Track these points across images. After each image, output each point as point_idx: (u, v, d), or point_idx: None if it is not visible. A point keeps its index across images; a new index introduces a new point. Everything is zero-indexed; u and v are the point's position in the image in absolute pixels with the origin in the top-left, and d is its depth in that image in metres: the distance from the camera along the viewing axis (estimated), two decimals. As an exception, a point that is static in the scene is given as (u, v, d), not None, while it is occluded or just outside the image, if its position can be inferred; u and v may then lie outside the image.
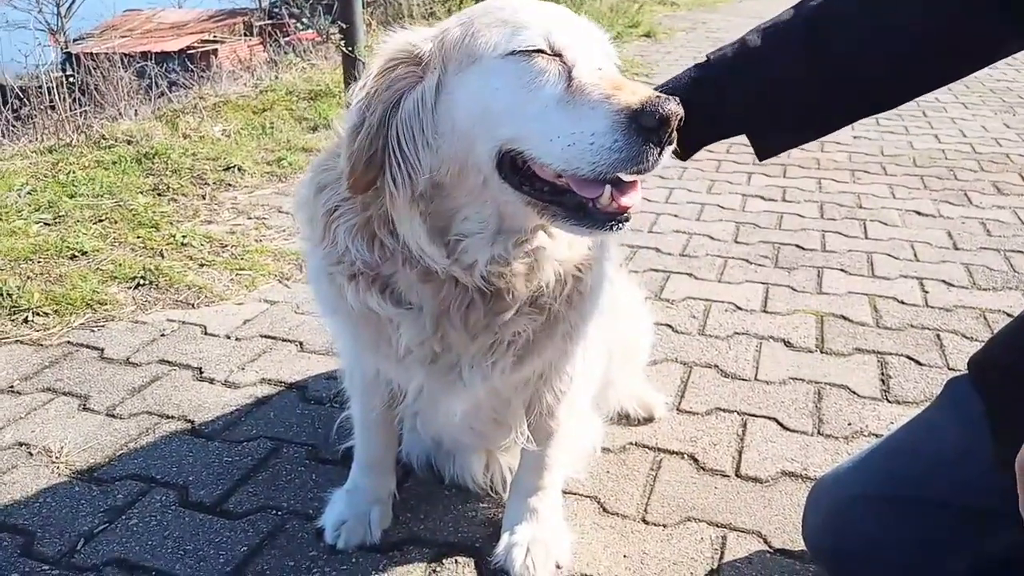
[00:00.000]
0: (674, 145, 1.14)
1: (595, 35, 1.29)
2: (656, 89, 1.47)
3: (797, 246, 3.47)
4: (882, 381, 2.36)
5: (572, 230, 1.22)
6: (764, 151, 1.47)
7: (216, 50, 17.40)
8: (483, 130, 1.19)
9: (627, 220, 1.18)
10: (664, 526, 1.77)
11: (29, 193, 3.76)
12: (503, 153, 1.19)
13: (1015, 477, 0.94)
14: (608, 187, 1.15)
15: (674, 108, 1.09)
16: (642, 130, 1.09)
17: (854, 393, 2.29)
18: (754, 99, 1.39)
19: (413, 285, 1.34)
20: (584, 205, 1.17)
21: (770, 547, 1.71)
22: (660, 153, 1.11)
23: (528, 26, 1.20)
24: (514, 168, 1.20)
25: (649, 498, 1.86)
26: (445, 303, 1.35)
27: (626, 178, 1.16)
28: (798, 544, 1.66)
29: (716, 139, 1.47)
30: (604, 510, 1.83)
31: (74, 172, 4.04)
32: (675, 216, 3.85)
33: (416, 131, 1.23)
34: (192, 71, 7.92)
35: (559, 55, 1.18)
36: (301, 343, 2.59)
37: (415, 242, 1.28)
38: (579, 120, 1.12)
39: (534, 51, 1.17)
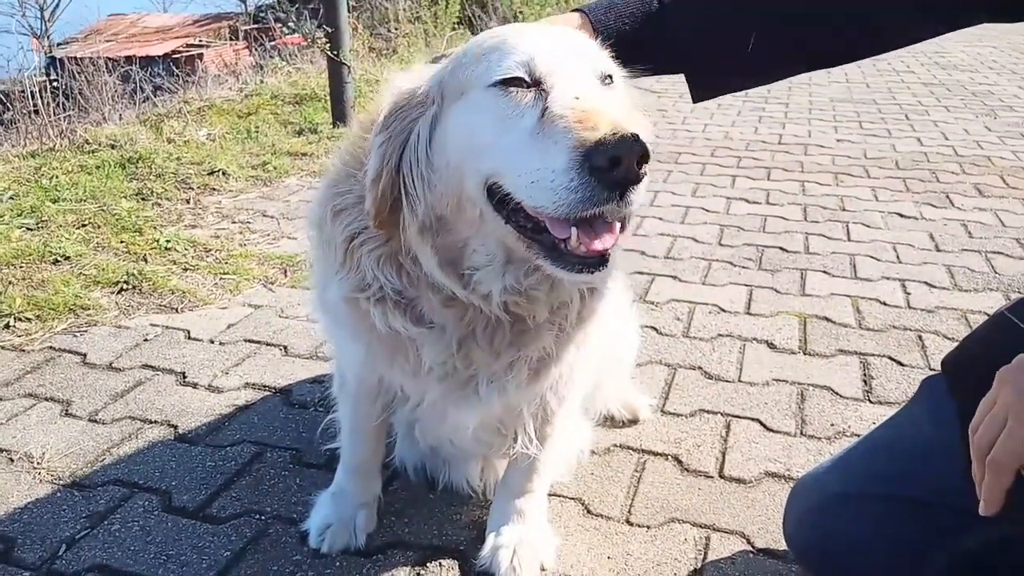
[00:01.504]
0: (642, 186, 1.05)
1: (587, 55, 1.22)
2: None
3: (781, 248, 3.49)
4: (864, 382, 2.38)
5: (548, 269, 1.17)
6: (699, 93, 1.48)
7: (201, 54, 17.36)
8: (470, 163, 1.17)
9: (602, 264, 1.10)
10: (648, 527, 1.78)
11: (11, 198, 3.74)
12: (489, 186, 1.16)
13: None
14: (574, 229, 1.08)
15: (627, 148, 1.00)
16: (595, 170, 1.01)
17: (837, 394, 2.31)
18: (691, 37, 1.40)
19: (437, 309, 1.33)
20: (557, 245, 1.12)
21: (753, 547, 1.72)
22: (621, 196, 1.03)
23: (512, 53, 1.15)
24: (502, 202, 1.16)
25: (633, 499, 1.87)
26: (470, 326, 1.34)
27: (610, 218, 1.10)
28: (781, 544, 1.67)
29: (661, 72, 1.44)
30: (588, 512, 1.83)
31: (57, 177, 4.02)
32: (660, 219, 3.86)
33: (414, 165, 1.22)
34: (177, 75, 7.88)
35: (539, 82, 1.13)
36: (285, 347, 2.58)
37: (431, 272, 1.28)
38: (543, 155, 1.06)
39: (514, 80, 1.13)
